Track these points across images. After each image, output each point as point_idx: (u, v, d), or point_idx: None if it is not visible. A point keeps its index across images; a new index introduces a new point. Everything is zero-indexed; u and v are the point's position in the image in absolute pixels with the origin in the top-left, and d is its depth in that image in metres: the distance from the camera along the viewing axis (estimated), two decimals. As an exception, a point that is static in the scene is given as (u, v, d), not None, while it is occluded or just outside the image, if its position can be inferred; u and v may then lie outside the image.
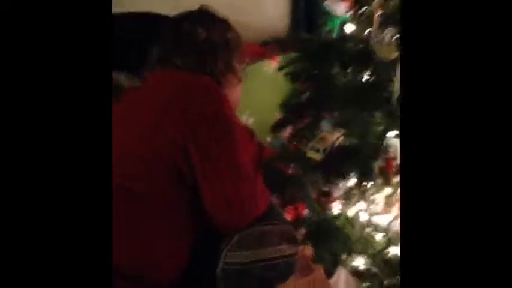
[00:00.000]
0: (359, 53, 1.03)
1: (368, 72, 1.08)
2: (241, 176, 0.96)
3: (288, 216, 1.45)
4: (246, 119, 1.91)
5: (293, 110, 1.05)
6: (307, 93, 1.08)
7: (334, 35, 1.30)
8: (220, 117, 0.95)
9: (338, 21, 1.33)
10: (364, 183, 1.03)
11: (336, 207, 1.19)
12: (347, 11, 1.18)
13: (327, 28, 1.31)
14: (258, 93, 1.69)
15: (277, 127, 1.16)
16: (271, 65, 1.76)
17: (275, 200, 1.16)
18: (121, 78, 1.33)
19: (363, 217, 1.19)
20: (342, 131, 1.08)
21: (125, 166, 0.97)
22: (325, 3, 1.26)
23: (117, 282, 0.88)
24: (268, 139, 1.54)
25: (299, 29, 1.87)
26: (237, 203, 0.96)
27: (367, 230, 1.13)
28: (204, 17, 1.21)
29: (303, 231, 1.17)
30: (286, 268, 0.99)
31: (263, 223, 1.00)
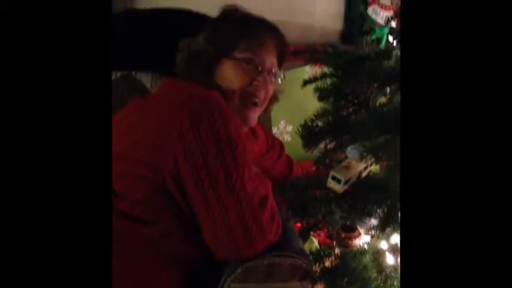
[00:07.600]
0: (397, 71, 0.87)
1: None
2: (246, 201, 0.88)
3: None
4: (284, 126, 1.80)
5: (315, 132, 0.92)
6: (333, 114, 0.95)
7: (382, 45, 1.16)
8: (223, 136, 0.86)
9: (387, 31, 1.18)
10: (388, 228, 0.89)
11: (358, 245, 1.05)
12: (387, 22, 1.02)
13: (373, 37, 1.16)
14: (299, 99, 1.58)
15: (309, 143, 1.02)
16: (313, 72, 1.66)
17: (292, 224, 1.06)
18: (145, 78, 1.26)
19: (390, 260, 1.05)
20: (371, 160, 0.94)
21: (119, 184, 0.92)
22: (369, 9, 1.10)
23: None
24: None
25: (351, 35, 1.73)
26: (240, 233, 0.88)
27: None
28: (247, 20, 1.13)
29: (321, 266, 1.04)
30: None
31: (273, 254, 0.92)
